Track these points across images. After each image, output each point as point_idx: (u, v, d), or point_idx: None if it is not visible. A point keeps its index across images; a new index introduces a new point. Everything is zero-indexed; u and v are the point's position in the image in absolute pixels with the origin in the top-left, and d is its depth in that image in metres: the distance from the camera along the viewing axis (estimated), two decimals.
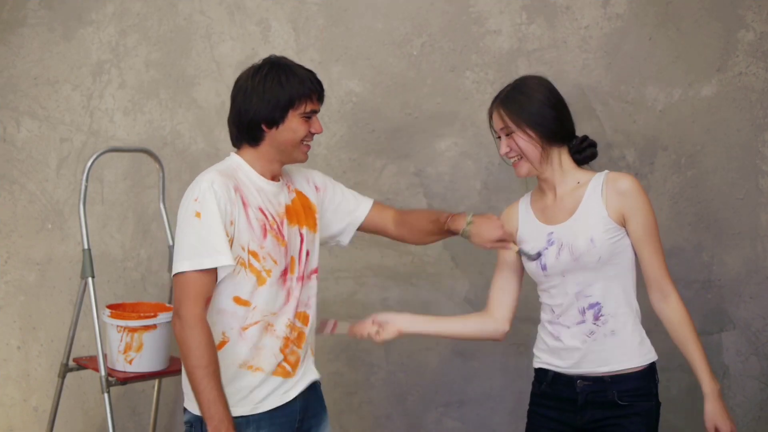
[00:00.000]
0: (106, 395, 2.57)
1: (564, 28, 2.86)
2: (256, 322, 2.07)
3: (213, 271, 2.01)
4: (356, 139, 3.02)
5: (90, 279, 2.65)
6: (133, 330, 2.59)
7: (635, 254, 2.11)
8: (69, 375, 2.86)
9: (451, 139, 2.96)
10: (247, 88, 2.11)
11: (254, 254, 2.06)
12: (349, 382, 3.08)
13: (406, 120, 2.99)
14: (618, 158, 2.83)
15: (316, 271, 2.23)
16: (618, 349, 2.09)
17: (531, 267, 2.16)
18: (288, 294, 2.12)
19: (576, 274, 2.09)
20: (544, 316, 2.20)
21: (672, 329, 2.11)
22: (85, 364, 2.80)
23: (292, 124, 2.10)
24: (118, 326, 2.60)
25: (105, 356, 2.61)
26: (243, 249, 2.05)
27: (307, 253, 2.18)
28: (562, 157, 2.16)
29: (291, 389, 2.15)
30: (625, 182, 2.09)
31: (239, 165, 2.14)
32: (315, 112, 2.15)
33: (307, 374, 2.20)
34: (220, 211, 2.00)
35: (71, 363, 2.83)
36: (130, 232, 3.23)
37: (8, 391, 3.36)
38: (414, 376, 3.04)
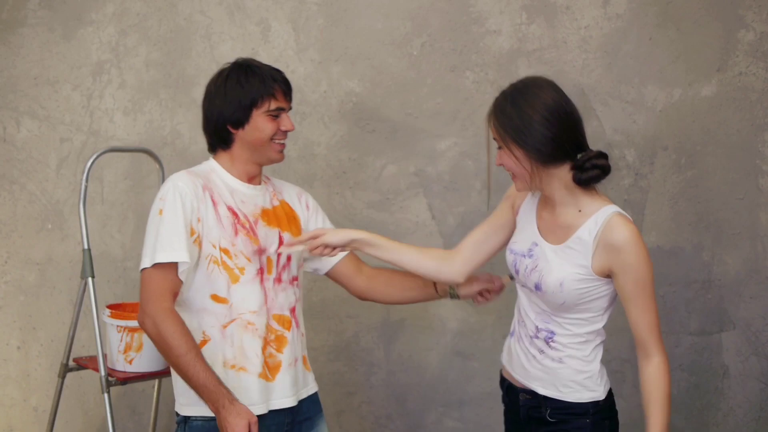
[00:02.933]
0: (106, 395, 2.57)
1: (564, 28, 2.86)
2: (233, 320, 2.06)
3: (172, 266, 2.00)
4: (356, 139, 3.02)
5: (90, 279, 2.65)
6: (133, 330, 2.59)
7: (612, 302, 1.96)
8: (69, 375, 2.86)
9: (451, 139, 2.96)
10: (211, 92, 2.13)
11: (226, 251, 2.06)
12: (349, 382, 3.08)
13: (406, 120, 2.99)
14: (618, 158, 2.83)
15: (296, 279, 2.20)
16: (558, 378, 1.97)
17: (509, 262, 2.04)
18: (265, 294, 2.11)
19: (539, 300, 1.97)
20: (516, 309, 2.09)
21: (644, 387, 1.93)
22: (85, 364, 2.80)
23: (258, 123, 2.10)
24: (118, 326, 2.60)
25: (105, 356, 2.61)
26: (214, 246, 2.05)
27: (288, 258, 2.17)
28: (562, 177, 1.91)
29: (273, 398, 2.11)
30: (621, 236, 1.85)
31: (213, 168, 2.15)
32: (282, 109, 2.13)
33: (297, 387, 2.16)
34: (184, 209, 2.01)
35: (71, 363, 2.83)
36: (130, 232, 3.23)
37: (8, 391, 3.36)
38: (414, 376, 3.04)
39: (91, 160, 2.69)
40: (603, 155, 1.91)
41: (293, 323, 2.16)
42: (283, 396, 2.13)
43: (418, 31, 2.97)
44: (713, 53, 2.77)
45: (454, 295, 2.26)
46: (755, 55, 2.74)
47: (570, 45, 2.85)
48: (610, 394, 2.02)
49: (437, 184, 2.97)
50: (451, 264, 2.13)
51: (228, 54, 3.10)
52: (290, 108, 2.18)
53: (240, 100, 2.08)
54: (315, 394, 2.25)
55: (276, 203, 2.21)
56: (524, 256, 1.99)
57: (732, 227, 2.78)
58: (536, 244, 1.98)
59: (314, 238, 2.12)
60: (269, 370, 2.11)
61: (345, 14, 3.02)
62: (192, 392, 2.02)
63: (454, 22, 2.94)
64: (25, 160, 3.30)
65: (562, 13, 2.86)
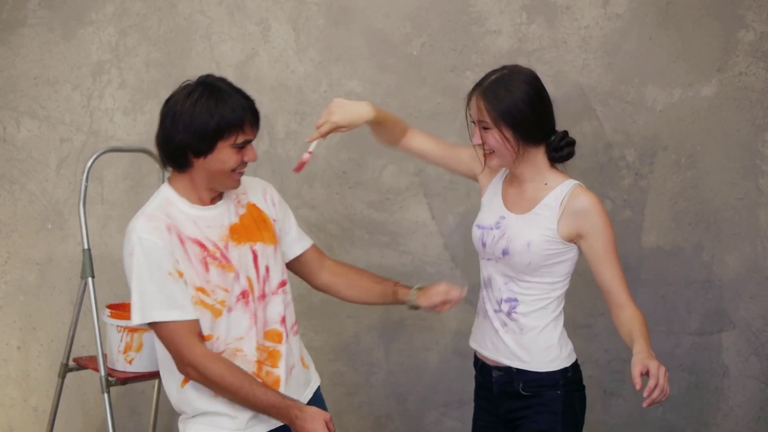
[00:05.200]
0: (106, 395, 2.57)
1: (564, 28, 2.86)
2: (221, 352, 2.01)
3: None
4: (356, 139, 3.02)
5: (90, 279, 2.65)
6: (133, 330, 2.59)
7: (575, 267, 2.09)
8: (69, 375, 2.85)
9: (451, 139, 2.95)
10: (176, 113, 1.98)
11: (202, 290, 1.99)
12: (349, 382, 3.08)
13: (406, 120, 2.98)
14: (618, 158, 2.83)
15: (284, 284, 2.15)
16: (521, 347, 2.09)
17: (476, 237, 2.16)
18: (253, 316, 2.05)
19: (505, 266, 2.09)
20: (481, 287, 2.20)
21: (623, 326, 2.01)
22: (85, 364, 2.80)
23: (222, 155, 1.97)
24: (118, 326, 2.60)
25: (105, 356, 2.61)
26: (193, 288, 1.98)
27: (267, 269, 2.10)
28: (537, 156, 2.09)
29: None
30: (583, 202, 2.03)
31: (170, 200, 2.03)
32: (248, 142, 2.01)
33: (300, 390, 2.14)
34: (157, 263, 1.93)
35: (71, 363, 2.83)
36: None
37: (8, 391, 3.36)
38: (414, 376, 3.04)
39: (91, 160, 2.69)
40: (568, 134, 2.12)
41: (284, 335, 2.11)
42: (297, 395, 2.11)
43: (418, 31, 2.96)
44: (713, 53, 2.77)
45: (413, 306, 2.24)
46: (755, 55, 2.74)
47: (570, 45, 2.85)
48: (577, 366, 2.13)
49: (437, 184, 2.97)
50: (400, 133, 2.32)
51: (228, 54, 3.10)
52: (255, 138, 2.04)
53: (206, 130, 1.95)
54: (318, 390, 2.24)
55: (242, 211, 2.11)
56: (491, 228, 2.13)
57: (732, 227, 2.78)
58: (504, 217, 2.12)
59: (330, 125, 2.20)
60: (276, 389, 2.06)
61: (345, 14, 3.02)
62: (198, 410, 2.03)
63: (454, 22, 2.94)
64: (25, 160, 3.30)
65: (562, 13, 2.86)
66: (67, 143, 3.26)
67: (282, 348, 2.10)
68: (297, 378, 2.14)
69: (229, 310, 2.02)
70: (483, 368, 2.20)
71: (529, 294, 2.08)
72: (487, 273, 2.16)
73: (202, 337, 1.98)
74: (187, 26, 3.14)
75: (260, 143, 3.08)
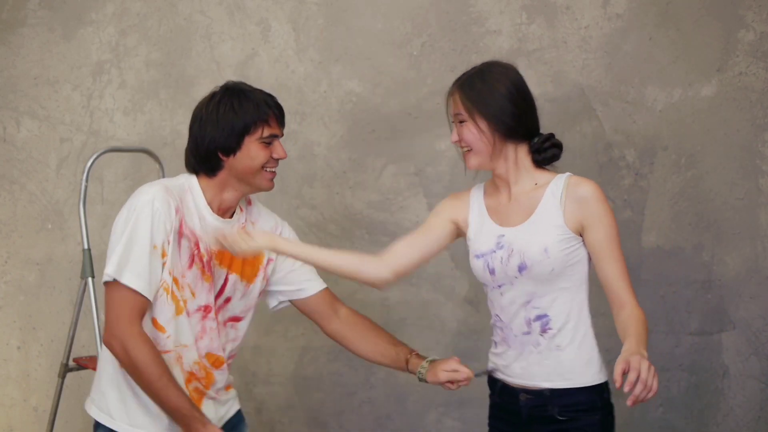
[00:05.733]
0: None
1: (564, 28, 2.86)
2: (167, 351, 2.00)
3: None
4: (356, 139, 3.02)
5: (90, 279, 2.65)
6: None
7: (590, 266, 1.98)
8: (69, 375, 2.86)
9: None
10: (202, 116, 2.04)
11: (176, 281, 1.99)
12: (349, 382, 3.08)
13: (406, 120, 2.99)
14: (618, 158, 2.83)
15: (238, 319, 2.14)
16: (562, 365, 1.96)
17: (478, 268, 2.03)
18: (203, 330, 2.04)
19: (525, 282, 1.96)
20: (493, 319, 2.07)
21: (620, 325, 1.90)
22: (85, 364, 2.80)
23: (250, 151, 2.02)
24: None
25: None
26: (170, 273, 1.97)
27: (227, 300, 2.09)
28: (518, 155, 1.99)
29: None
30: (586, 189, 1.93)
31: (191, 187, 2.06)
32: (275, 136, 2.06)
33: (221, 410, 2.12)
34: (153, 232, 1.94)
35: (71, 363, 2.83)
36: None
37: (8, 391, 3.36)
38: (414, 376, 3.04)
39: (91, 160, 2.69)
40: (554, 135, 2.01)
41: (225, 365, 2.11)
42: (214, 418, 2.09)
43: (418, 31, 2.97)
44: (713, 53, 2.77)
45: (422, 378, 2.17)
46: (755, 55, 2.74)
47: (570, 45, 2.85)
48: (608, 384, 2.01)
49: (437, 184, 2.97)
50: (377, 263, 2.09)
51: (228, 54, 3.10)
52: (282, 135, 2.10)
53: (233, 126, 2.00)
54: (237, 413, 2.20)
55: None
56: (494, 251, 1.99)
57: (732, 227, 2.78)
58: (503, 235, 1.99)
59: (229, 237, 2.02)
60: (192, 400, 2.03)
61: (345, 14, 3.02)
62: (106, 399, 2.02)
63: (454, 22, 2.94)
64: (25, 160, 3.30)
65: (562, 13, 2.86)
66: (67, 143, 3.27)
67: (217, 374, 2.09)
68: (218, 402, 2.12)
69: (188, 314, 2.01)
70: (505, 391, 2.05)
71: (557, 305, 1.95)
72: (503, 301, 2.01)
73: (142, 318, 1.96)
74: (187, 26, 3.14)
75: None
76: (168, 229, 1.96)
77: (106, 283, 1.96)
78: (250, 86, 2.09)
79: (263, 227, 2.16)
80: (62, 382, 2.83)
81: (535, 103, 2.03)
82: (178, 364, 2.02)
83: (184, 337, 2.02)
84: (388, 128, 3.00)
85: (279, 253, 2.11)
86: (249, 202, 2.18)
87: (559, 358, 1.96)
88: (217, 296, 2.07)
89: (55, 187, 3.28)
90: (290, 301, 2.24)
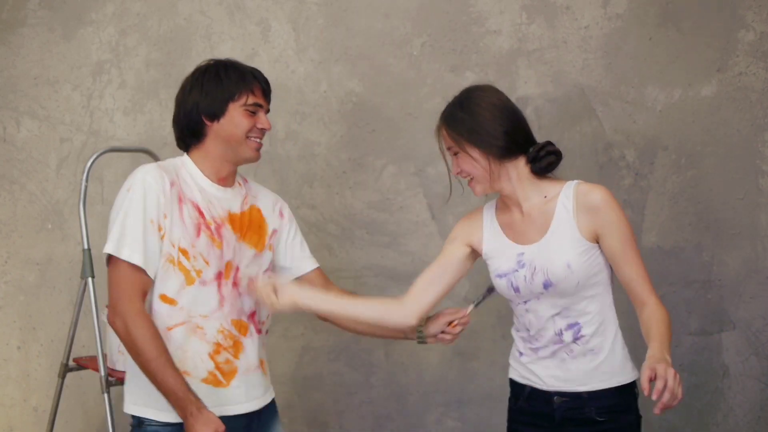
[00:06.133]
0: (106, 395, 2.57)
1: (564, 28, 2.86)
2: (181, 323, 2.01)
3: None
4: (356, 139, 3.02)
5: (90, 279, 2.65)
6: None
7: (611, 268, 1.99)
8: (69, 375, 2.86)
9: None
10: (187, 85, 2.10)
11: (185, 252, 2.00)
12: (349, 382, 3.08)
13: (406, 120, 2.99)
14: (618, 158, 2.83)
15: None
16: (598, 368, 1.98)
17: (502, 287, 2.04)
18: (222, 299, 2.05)
19: (552, 297, 1.97)
20: (518, 332, 2.08)
21: (644, 324, 1.92)
22: (85, 364, 2.80)
23: (234, 118, 2.05)
24: None
25: (105, 356, 2.61)
26: (173, 246, 1.99)
27: (238, 268, 2.10)
28: (519, 171, 1.99)
29: (227, 404, 2.06)
30: (596, 196, 1.93)
31: (184, 163, 2.10)
32: (259, 106, 2.09)
33: (253, 392, 2.11)
34: (147, 207, 1.97)
35: (71, 363, 2.83)
36: None
37: (8, 391, 3.36)
38: (414, 376, 3.04)
39: (91, 160, 2.69)
40: (552, 143, 2.01)
41: (251, 328, 2.11)
42: (238, 402, 2.08)
43: (418, 31, 2.97)
44: (713, 53, 2.77)
45: (422, 339, 2.18)
46: (755, 55, 2.74)
47: (570, 45, 2.85)
48: (636, 383, 2.02)
49: (437, 184, 2.97)
50: (400, 308, 2.12)
51: (228, 54, 3.08)
52: (268, 109, 2.13)
53: (217, 92, 2.04)
54: (272, 402, 2.20)
55: (245, 208, 2.14)
56: (516, 270, 2.00)
57: (732, 227, 2.78)
58: (522, 253, 2.00)
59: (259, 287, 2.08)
60: (224, 375, 2.05)
61: (345, 14, 3.02)
62: (147, 394, 2.00)
63: (454, 22, 2.94)
64: (25, 160, 3.30)
65: (562, 13, 2.86)
66: (67, 143, 3.26)
67: (246, 341, 2.10)
68: (254, 380, 2.12)
69: (203, 283, 2.02)
70: (535, 395, 2.04)
71: (586, 312, 1.97)
72: (528, 315, 2.02)
73: (145, 296, 1.98)
74: (187, 26, 3.14)
75: None
76: (162, 201, 1.98)
77: (108, 263, 1.99)
78: (239, 62, 2.13)
79: (262, 202, 2.19)
80: (62, 382, 2.83)
81: (523, 115, 2.03)
82: (197, 334, 2.02)
83: (201, 307, 2.02)
84: (388, 128, 3.00)
85: (303, 309, 2.11)
86: (245, 180, 2.21)
87: (594, 362, 1.98)
88: (232, 260, 2.08)
89: (55, 187, 3.28)
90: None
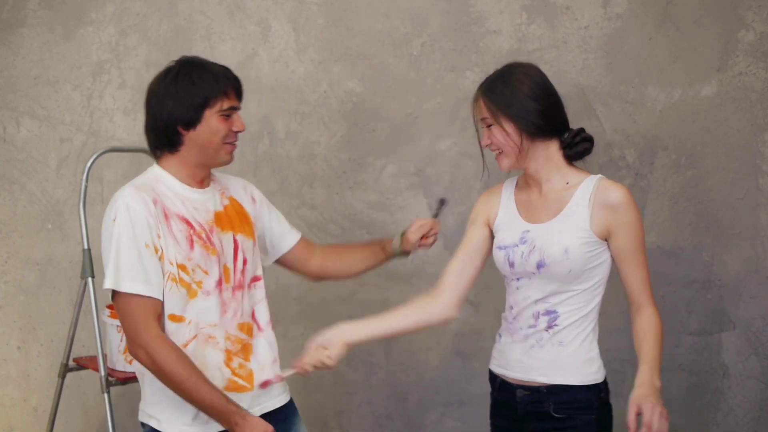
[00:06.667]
0: (106, 395, 2.57)
1: (564, 28, 2.86)
2: (193, 337, 2.00)
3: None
4: (356, 139, 3.02)
5: (90, 279, 2.65)
6: None
7: (610, 271, 1.99)
8: (69, 375, 2.85)
9: (451, 139, 2.96)
10: (159, 91, 2.03)
11: (182, 267, 1.98)
12: (349, 382, 3.08)
13: (406, 120, 2.99)
14: (618, 158, 2.83)
15: (257, 279, 2.15)
16: (561, 363, 1.97)
17: (499, 259, 2.05)
18: (224, 304, 2.04)
19: (542, 280, 1.98)
20: (504, 312, 2.10)
21: (636, 334, 1.94)
22: (85, 364, 2.80)
23: (210, 124, 2.01)
24: (118, 326, 2.60)
25: (105, 356, 2.61)
26: (171, 264, 1.97)
27: (244, 261, 2.10)
28: (550, 152, 2.00)
29: (263, 403, 2.08)
30: (617, 194, 1.93)
31: (159, 176, 2.05)
32: (234, 108, 2.05)
33: (273, 390, 2.12)
34: (137, 233, 1.94)
35: (71, 363, 2.83)
36: None
37: (8, 391, 3.36)
38: (414, 376, 3.04)
39: (91, 160, 2.69)
40: (585, 130, 2.03)
41: (255, 328, 2.11)
42: (260, 403, 2.09)
43: (418, 31, 2.97)
44: (713, 53, 2.77)
45: (401, 252, 2.29)
46: (755, 55, 2.74)
47: (570, 45, 2.85)
48: (606, 384, 2.03)
49: (437, 184, 2.97)
50: (437, 304, 2.12)
51: (228, 54, 3.10)
52: (240, 107, 2.09)
53: (193, 100, 1.99)
54: (291, 400, 2.21)
55: (226, 202, 2.12)
56: (516, 245, 2.01)
57: (732, 227, 2.78)
58: (527, 231, 2.01)
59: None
60: (244, 379, 2.05)
61: (345, 14, 3.02)
62: (167, 407, 2.01)
63: (454, 22, 2.94)
64: (25, 160, 3.30)
65: (562, 13, 2.86)
66: (67, 143, 3.26)
67: (253, 342, 2.10)
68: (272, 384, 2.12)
69: (207, 294, 2.01)
70: (503, 387, 2.08)
71: (569, 304, 1.97)
72: (518, 293, 2.04)
73: (159, 319, 1.97)
74: (187, 26, 3.14)
75: (260, 143, 3.08)
76: (152, 223, 1.95)
77: (113, 298, 1.97)
78: (206, 60, 2.10)
79: (235, 191, 2.18)
80: (62, 382, 2.83)
81: (561, 100, 2.03)
82: (210, 344, 2.01)
83: (208, 317, 2.01)
84: (388, 128, 3.00)
85: (355, 344, 2.10)
86: (213, 176, 2.18)
87: (558, 354, 1.98)
88: (235, 261, 2.08)
89: (55, 187, 3.28)
90: (278, 259, 2.29)
